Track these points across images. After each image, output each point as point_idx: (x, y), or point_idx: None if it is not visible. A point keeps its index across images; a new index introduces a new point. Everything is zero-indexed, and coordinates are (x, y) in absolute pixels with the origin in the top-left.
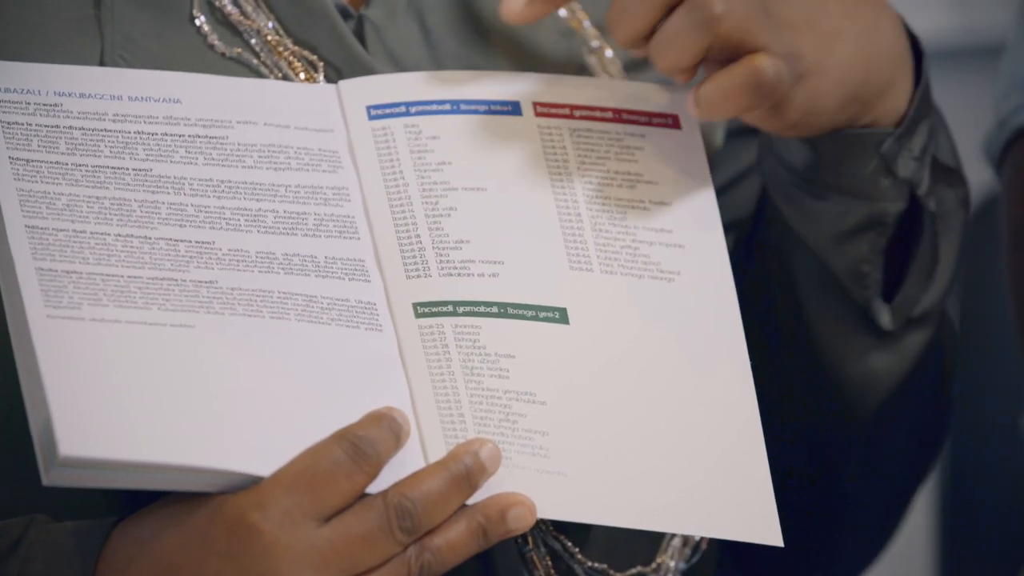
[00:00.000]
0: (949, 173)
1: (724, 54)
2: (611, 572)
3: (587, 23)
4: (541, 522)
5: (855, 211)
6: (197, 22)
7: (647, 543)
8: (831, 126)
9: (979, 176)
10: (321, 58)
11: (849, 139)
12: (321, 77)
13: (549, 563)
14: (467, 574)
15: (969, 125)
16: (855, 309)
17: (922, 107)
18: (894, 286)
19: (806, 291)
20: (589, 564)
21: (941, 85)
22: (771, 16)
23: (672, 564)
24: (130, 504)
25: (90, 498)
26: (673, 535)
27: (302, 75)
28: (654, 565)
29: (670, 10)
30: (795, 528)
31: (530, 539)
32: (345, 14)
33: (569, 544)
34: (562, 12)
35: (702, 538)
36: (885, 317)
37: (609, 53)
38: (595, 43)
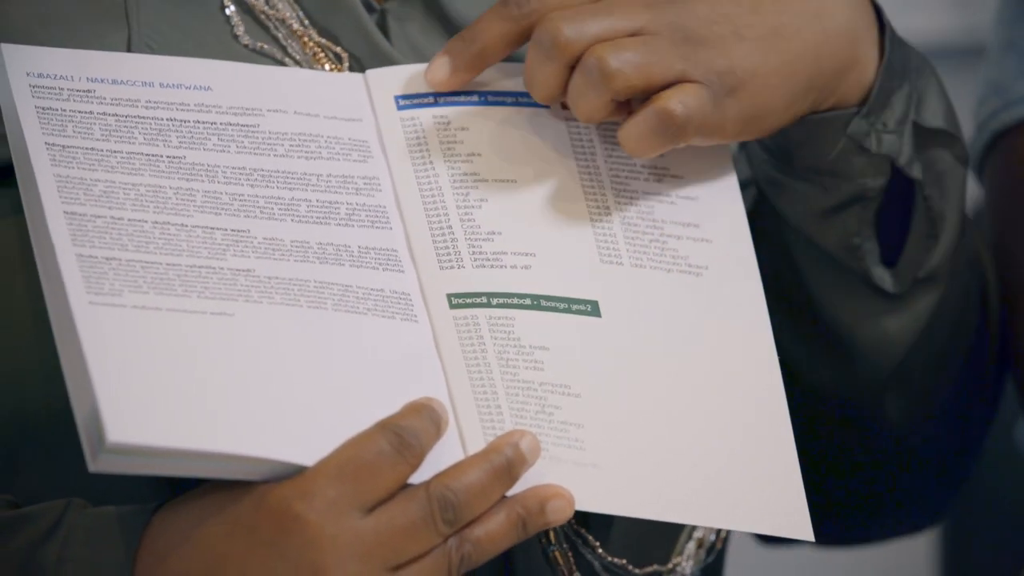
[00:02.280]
0: (938, 135)
1: (641, 94)
2: (630, 568)
3: None
4: None
5: (834, 189)
6: (227, 11)
7: (664, 542)
8: (788, 121)
9: None
10: (345, 49)
11: (814, 123)
12: (346, 68)
13: (570, 557)
14: (487, 565)
15: (969, 125)
16: (857, 277)
17: (891, 78)
18: (897, 248)
19: (806, 267)
20: (609, 559)
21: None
22: (689, 39)
23: (688, 565)
24: (156, 491)
25: (119, 484)
26: (689, 536)
27: (327, 66)
28: (671, 565)
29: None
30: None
31: (551, 533)
32: (369, 8)
33: (590, 538)
34: None
35: (716, 539)
36: (888, 281)
37: None
38: None
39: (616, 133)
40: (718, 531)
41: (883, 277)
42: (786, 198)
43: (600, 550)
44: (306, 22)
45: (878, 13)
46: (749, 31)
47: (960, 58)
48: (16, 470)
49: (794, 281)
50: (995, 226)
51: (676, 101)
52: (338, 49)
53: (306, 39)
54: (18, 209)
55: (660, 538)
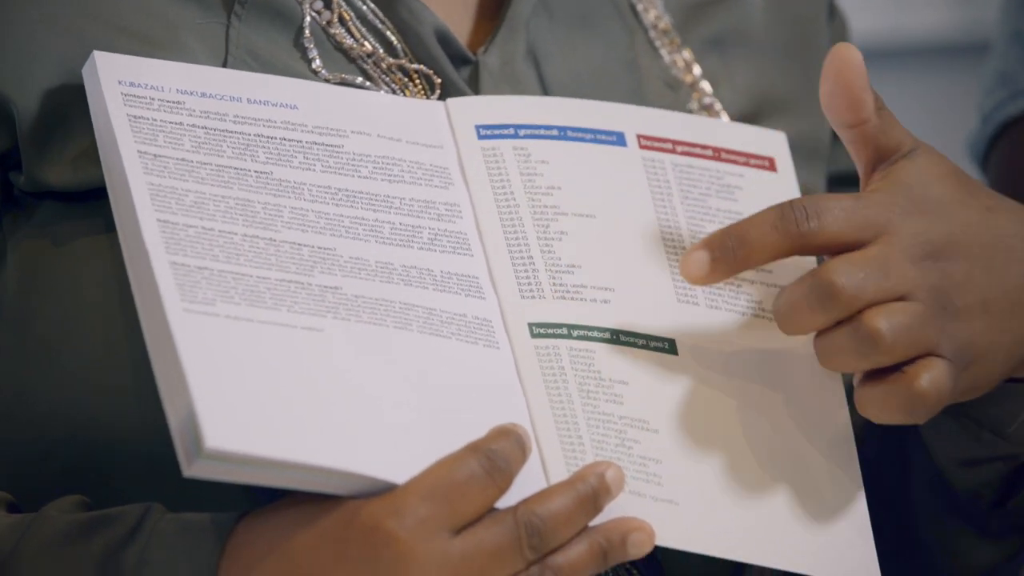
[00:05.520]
0: None
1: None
2: None
3: (699, 72)
4: None
5: (990, 445)
6: (307, 44)
7: None
8: (988, 390)
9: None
10: (438, 76)
11: (1002, 388)
12: (435, 97)
13: None
14: None
15: (969, 124)
16: (963, 513)
17: None
18: (1006, 493)
19: (917, 484)
20: None
21: (941, 83)
22: (945, 309)
23: None
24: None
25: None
26: None
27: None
28: None
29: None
30: None
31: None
32: (464, 60)
33: None
34: (675, 63)
35: None
36: (995, 524)
37: (724, 116)
38: (708, 99)
39: (825, 358)
40: None
41: (990, 521)
42: (937, 432)
43: None
44: (398, 47)
45: None
46: (994, 304)
47: (961, 55)
48: (105, 484)
49: (898, 488)
50: None
51: (928, 381)
52: (430, 72)
53: (388, 64)
54: (113, 227)
55: None
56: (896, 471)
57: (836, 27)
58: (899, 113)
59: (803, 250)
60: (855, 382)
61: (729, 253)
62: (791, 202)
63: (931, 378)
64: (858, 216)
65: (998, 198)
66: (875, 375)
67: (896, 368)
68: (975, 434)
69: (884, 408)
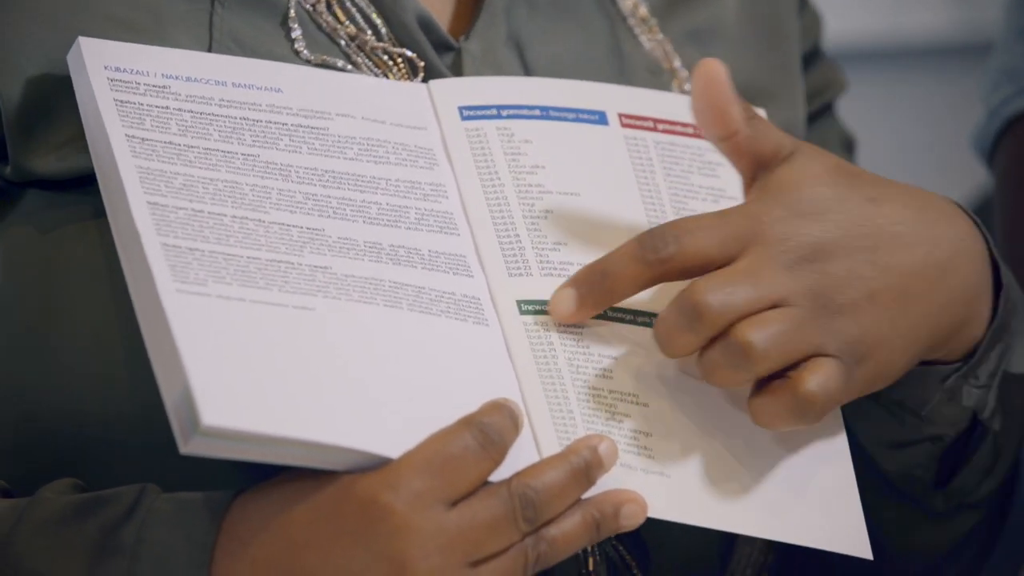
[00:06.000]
0: (1021, 380)
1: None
2: None
3: (678, 63)
4: None
5: (913, 428)
6: (292, 24)
7: (706, 570)
8: (901, 375)
9: (983, 171)
10: (421, 58)
11: (915, 373)
12: (419, 79)
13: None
14: None
15: (970, 122)
16: (904, 496)
17: (998, 335)
18: (949, 473)
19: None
20: None
21: (940, 83)
22: (826, 308)
23: None
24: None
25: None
26: (734, 567)
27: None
28: None
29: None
30: None
31: (591, 560)
32: (447, 46)
33: (627, 557)
34: (655, 50)
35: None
36: (938, 502)
37: None
38: (688, 86)
39: (707, 376)
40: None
41: (933, 500)
42: (861, 421)
43: (636, 571)
44: (383, 30)
45: (996, 270)
46: (881, 295)
47: (960, 55)
48: (101, 468)
49: None
50: (1006, 213)
51: (815, 383)
52: (414, 56)
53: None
54: (100, 214)
55: (702, 565)
56: None
57: (807, 20)
58: (898, 113)
59: (668, 276)
60: (748, 395)
61: (595, 288)
62: (651, 230)
63: (817, 380)
64: (720, 233)
65: (883, 186)
66: (763, 384)
67: (782, 375)
68: (899, 417)
69: (775, 416)
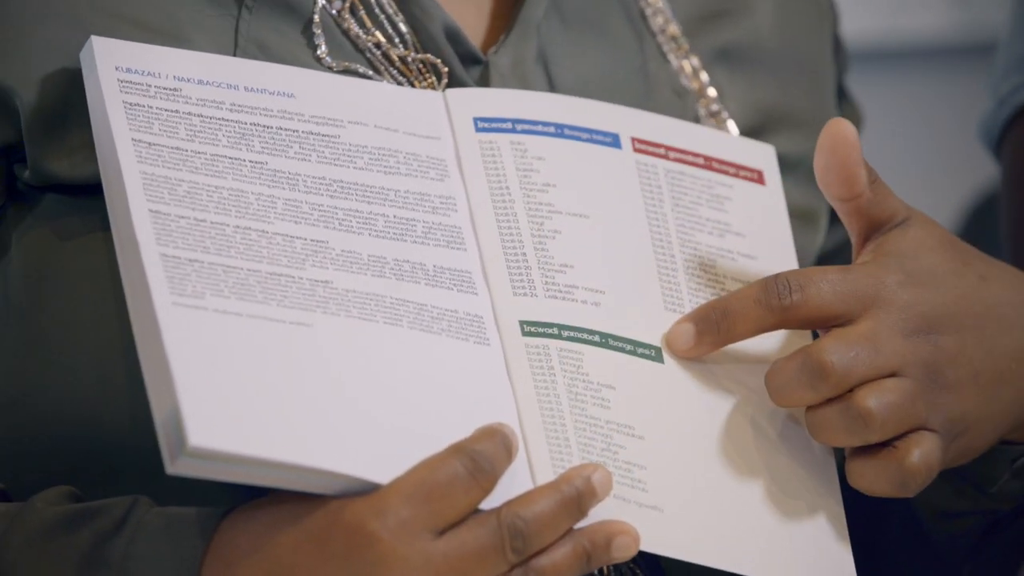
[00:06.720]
0: None
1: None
2: None
3: (706, 79)
4: None
5: (972, 500)
6: (315, 30)
7: None
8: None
9: (984, 171)
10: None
11: (989, 449)
12: (443, 87)
13: None
14: None
15: (971, 122)
16: (940, 561)
17: None
18: (984, 544)
19: (895, 528)
20: None
21: (940, 84)
22: (936, 383)
23: None
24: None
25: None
26: None
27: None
28: None
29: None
30: None
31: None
32: (475, 59)
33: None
34: (682, 70)
35: None
36: (967, 571)
37: (731, 124)
38: (715, 107)
39: (815, 432)
40: None
41: (964, 567)
42: None
43: None
44: (409, 39)
45: None
46: (983, 376)
47: (960, 56)
48: (106, 481)
49: (874, 529)
50: (1013, 201)
51: (919, 457)
52: (438, 62)
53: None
54: (107, 224)
55: None
56: (874, 513)
57: (841, 57)
58: (898, 114)
59: (787, 323)
60: (846, 454)
61: (713, 326)
62: (776, 276)
63: (921, 453)
64: (844, 289)
65: (993, 265)
66: (866, 449)
67: (887, 443)
68: (959, 488)
69: (875, 482)
